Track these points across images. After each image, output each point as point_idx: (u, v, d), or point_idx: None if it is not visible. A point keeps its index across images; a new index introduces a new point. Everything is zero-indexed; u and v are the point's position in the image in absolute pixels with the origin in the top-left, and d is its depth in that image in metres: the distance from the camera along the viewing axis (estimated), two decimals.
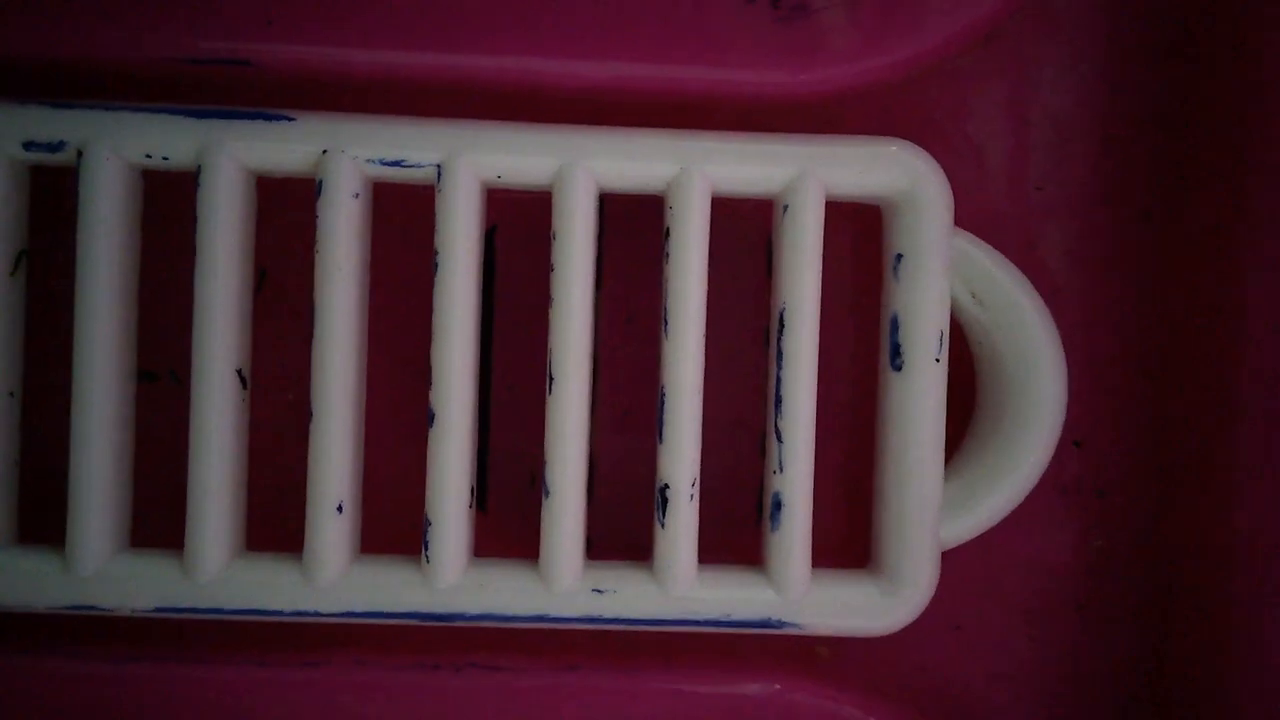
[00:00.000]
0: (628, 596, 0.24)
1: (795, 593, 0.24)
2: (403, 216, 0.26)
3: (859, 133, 0.24)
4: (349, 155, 0.23)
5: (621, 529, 0.27)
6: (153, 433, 0.25)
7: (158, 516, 0.25)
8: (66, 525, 0.24)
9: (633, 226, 0.26)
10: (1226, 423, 0.25)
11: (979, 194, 0.27)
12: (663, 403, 0.24)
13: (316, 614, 0.24)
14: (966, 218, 0.26)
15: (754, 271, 0.27)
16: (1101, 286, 0.27)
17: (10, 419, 0.24)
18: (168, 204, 0.25)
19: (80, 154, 0.23)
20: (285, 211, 0.25)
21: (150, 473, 0.25)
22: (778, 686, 0.25)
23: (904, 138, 0.24)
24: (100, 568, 0.24)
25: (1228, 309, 0.25)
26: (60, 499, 0.24)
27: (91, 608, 0.24)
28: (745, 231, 0.27)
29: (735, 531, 0.27)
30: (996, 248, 0.25)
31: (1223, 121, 0.25)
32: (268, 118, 0.23)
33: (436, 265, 0.23)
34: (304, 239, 0.24)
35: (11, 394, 0.24)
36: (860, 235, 0.27)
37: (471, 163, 0.23)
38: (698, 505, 0.24)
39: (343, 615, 0.24)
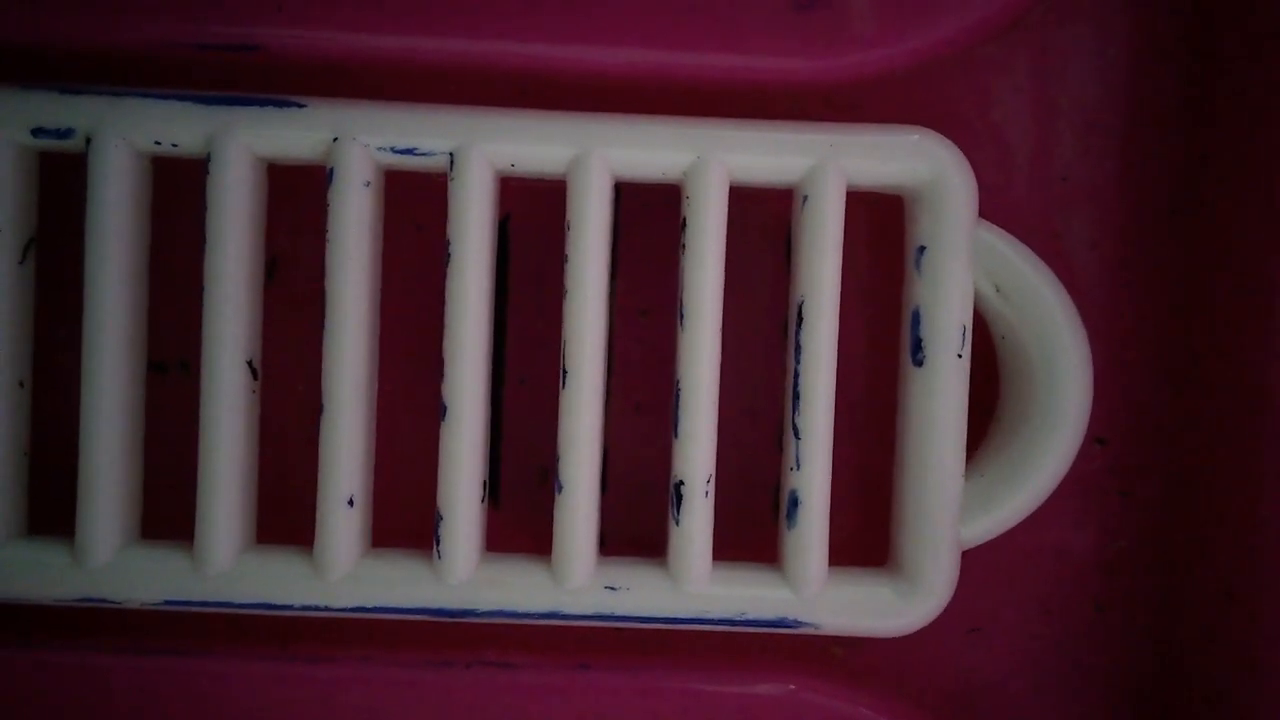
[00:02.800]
0: (641, 594, 0.24)
1: (811, 592, 0.24)
2: (415, 206, 0.26)
3: (881, 121, 0.24)
4: (360, 143, 0.23)
5: (635, 525, 0.26)
6: (163, 424, 0.25)
7: (168, 509, 0.25)
8: (76, 517, 0.23)
9: (649, 216, 0.26)
10: (1252, 421, 0.25)
11: (1003, 185, 0.26)
12: (678, 397, 0.24)
13: (327, 608, 0.24)
14: (990, 209, 0.25)
15: (772, 263, 0.26)
16: (1127, 280, 0.27)
17: (20, 409, 0.24)
18: (178, 192, 0.25)
19: (89, 141, 0.23)
20: (297, 200, 0.25)
21: (160, 465, 0.25)
22: (792, 687, 0.25)
23: (927, 126, 0.24)
24: (109, 560, 0.24)
25: (1255, 305, 0.25)
26: (70, 490, 0.24)
27: (101, 600, 0.24)
28: (763, 222, 0.26)
29: (751, 529, 0.27)
30: (1020, 240, 0.25)
31: (1250, 113, 0.25)
32: (278, 104, 0.23)
33: (449, 255, 0.23)
34: (315, 228, 0.24)
35: (21, 384, 0.24)
36: (881, 226, 0.26)
37: (485, 151, 0.23)
38: (713, 502, 0.24)
39: (353, 610, 0.24)
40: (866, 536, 0.27)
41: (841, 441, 0.25)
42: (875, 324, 0.26)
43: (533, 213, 0.26)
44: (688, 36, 0.24)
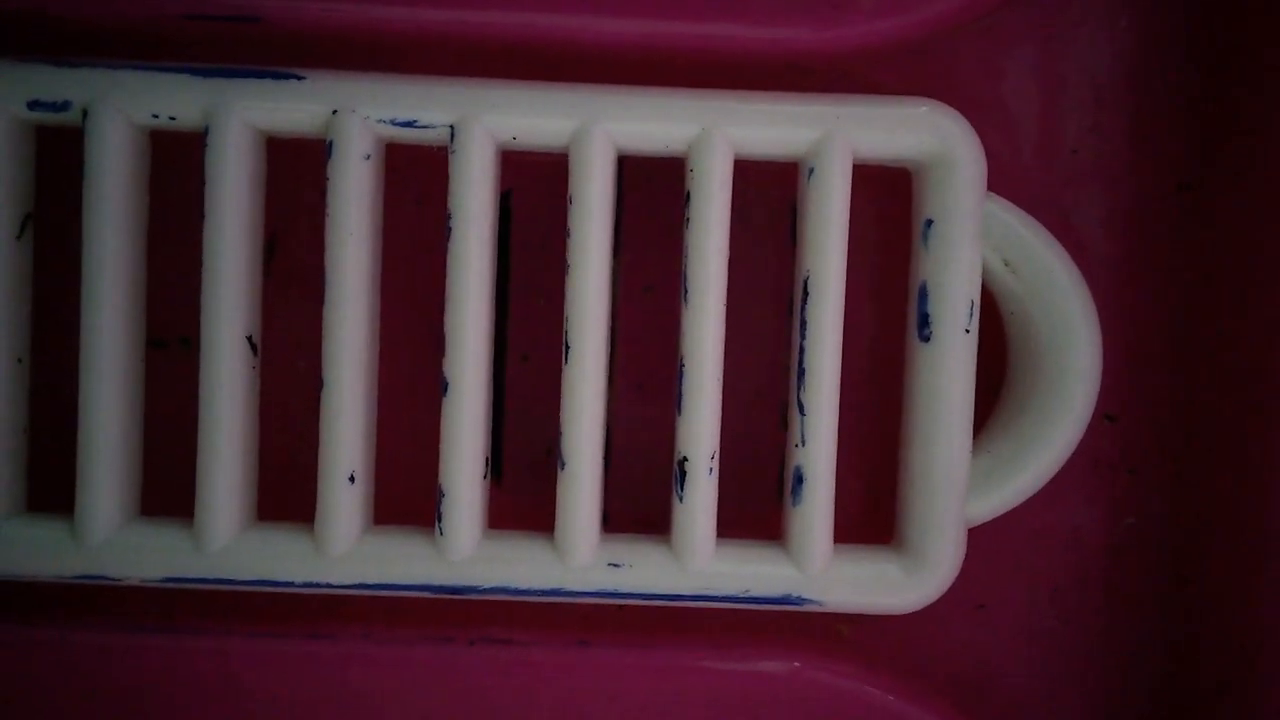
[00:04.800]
0: (644, 571, 0.24)
1: (816, 569, 0.24)
2: (416, 179, 0.25)
3: (888, 93, 0.24)
4: (360, 115, 0.23)
5: (639, 502, 0.26)
6: (163, 401, 0.25)
7: (168, 485, 0.25)
8: (75, 494, 0.23)
9: (652, 190, 0.26)
10: (1263, 399, 0.24)
11: (1012, 157, 0.26)
12: (682, 373, 0.23)
13: (328, 585, 0.24)
14: (998, 182, 0.25)
15: (777, 238, 0.26)
16: (1138, 255, 0.26)
17: (19, 386, 0.24)
18: (177, 166, 0.25)
19: (86, 114, 0.23)
20: (296, 175, 0.25)
21: (160, 441, 0.25)
22: (797, 664, 0.25)
23: (934, 98, 0.24)
24: (109, 537, 0.23)
25: (1266, 281, 0.24)
26: (69, 467, 0.23)
27: (100, 577, 0.24)
28: (769, 196, 0.26)
29: (755, 506, 0.26)
30: (1030, 213, 0.25)
31: (1263, 86, 0.25)
32: (276, 76, 0.23)
33: (450, 230, 0.23)
34: (315, 203, 0.24)
35: (20, 360, 0.24)
36: (888, 200, 0.26)
37: (486, 124, 0.23)
38: (717, 479, 0.24)
39: (354, 587, 0.24)
40: (872, 513, 0.26)
41: (847, 418, 0.25)
42: (882, 299, 0.26)
43: (534, 187, 0.26)
44: (692, 7, 0.23)
